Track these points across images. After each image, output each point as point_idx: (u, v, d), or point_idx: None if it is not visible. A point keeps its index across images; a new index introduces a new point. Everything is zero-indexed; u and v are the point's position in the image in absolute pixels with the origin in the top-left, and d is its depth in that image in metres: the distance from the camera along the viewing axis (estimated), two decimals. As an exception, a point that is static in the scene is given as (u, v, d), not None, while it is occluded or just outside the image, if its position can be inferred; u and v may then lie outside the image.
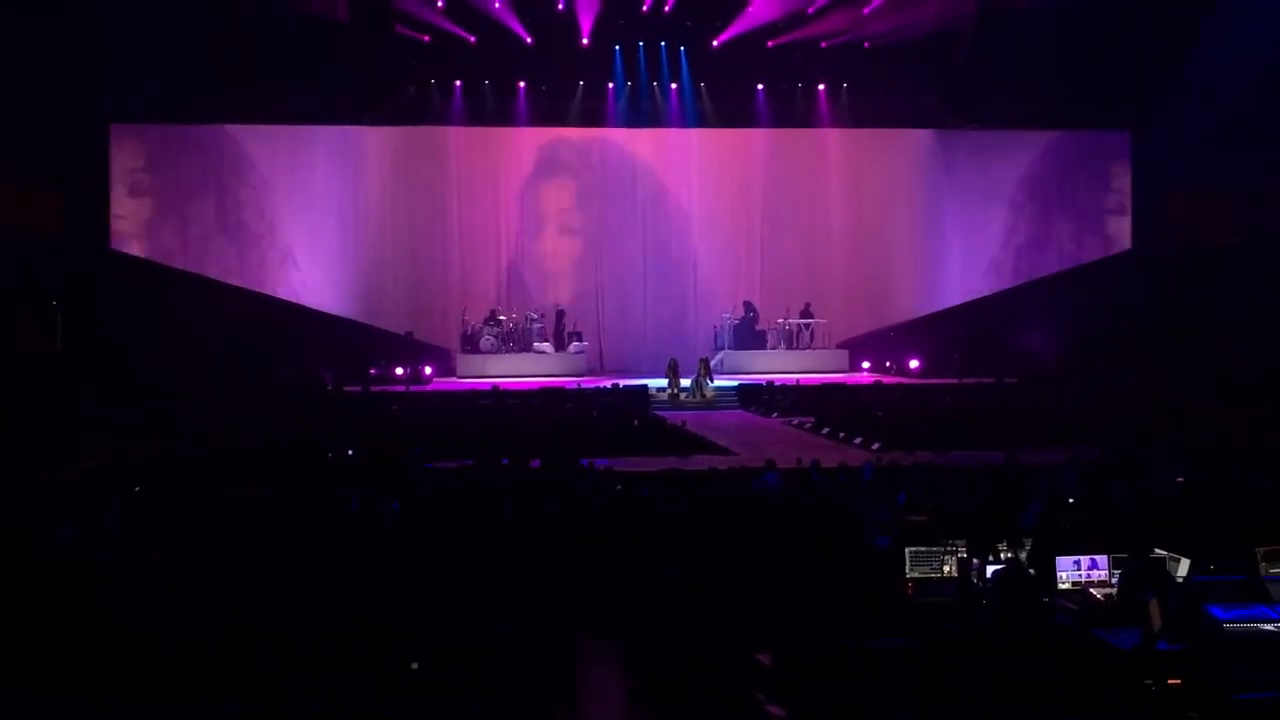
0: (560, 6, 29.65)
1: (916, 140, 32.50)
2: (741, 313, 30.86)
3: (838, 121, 32.16)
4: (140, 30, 26.24)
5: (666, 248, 32.21)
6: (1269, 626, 7.90)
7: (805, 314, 30.65)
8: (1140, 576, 8.57)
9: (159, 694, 6.22)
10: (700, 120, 31.74)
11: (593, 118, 31.53)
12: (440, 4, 29.32)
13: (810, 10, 30.27)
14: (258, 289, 29.71)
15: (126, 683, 6.28)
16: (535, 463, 15.36)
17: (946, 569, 9.46)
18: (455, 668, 6.97)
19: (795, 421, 24.06)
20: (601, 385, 26.86)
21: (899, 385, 27.73)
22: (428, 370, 28.99)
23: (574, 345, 30.41)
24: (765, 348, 30.75)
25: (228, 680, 6.48)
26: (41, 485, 12.52)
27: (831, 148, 32.51)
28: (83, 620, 7.01)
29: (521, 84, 30.90)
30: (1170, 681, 7.02)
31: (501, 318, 30.24)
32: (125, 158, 29.18)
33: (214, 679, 6.47)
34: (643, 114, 31.63)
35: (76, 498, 11.39)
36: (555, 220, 32.00)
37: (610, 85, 31.31)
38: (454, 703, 6.60)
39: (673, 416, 23.75)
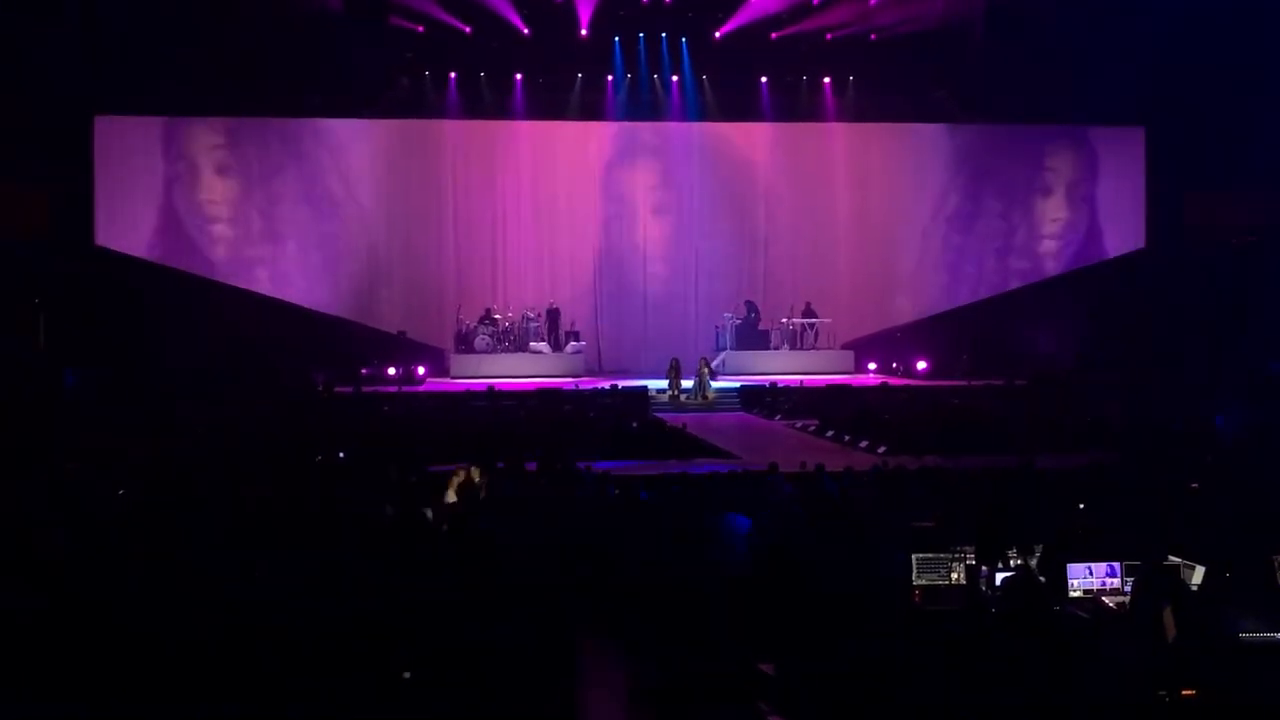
0: (558, -4, 29.77)
1: (925, 135, 32.57)
2: (744, 312, 30.90)
3: (843, 115, 32.25)
4: (130, 23, 26.37)
5: (667, 244, 32.26)
6: (1285, 636, 7.95)
7: (808, 313, 30.71)
8: (1154, 584, 8.62)
9: (159, 694, 6.29)
10: (702, 113, 31.81)
11: (591, 111, 31.59)
12: (435, -6, 29.41)
13: (815, 1, 30.34)
14: (247, 287, 29.81)
15: (126, 683, 6.35)
16: (531, 466, 15.38)
17: (955, 576, 9.49)
18: (454, 670, 7.05)
19: (799, 424, 24.08)
20: (600, 386, 26.92)
21: (906, 387, 27.77)
22: (421, 370, 29.05)
23: (571, 345, 30.44)
24: (768, 348, 30.81)
25: (227, 681, 6.55)
26: (35, 485, 12.57)
27: (837, 142, 32.56)
28: (80, 620, 7.08)
29: (518, 76, 30.98)
30: (1184, 693, 7.07)
31: (497, 316, 30.27)
32: (109, 150, 29.30)
33: (213, 679, 6.54)
34: (643, 107, 31.70)
35: (71, 499, 11.45)
36: (552, 215, 31.99)
37: (610, 78, 31.38)
38: (453, 705, 6.67)
39: (673, 419, 23.78)
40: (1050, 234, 32.70)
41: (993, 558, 9.46)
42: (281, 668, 6.75)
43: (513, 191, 31.85)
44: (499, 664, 7.14)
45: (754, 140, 32.51)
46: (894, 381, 28.50)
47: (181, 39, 26.70)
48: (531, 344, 30.15)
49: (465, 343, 29.96)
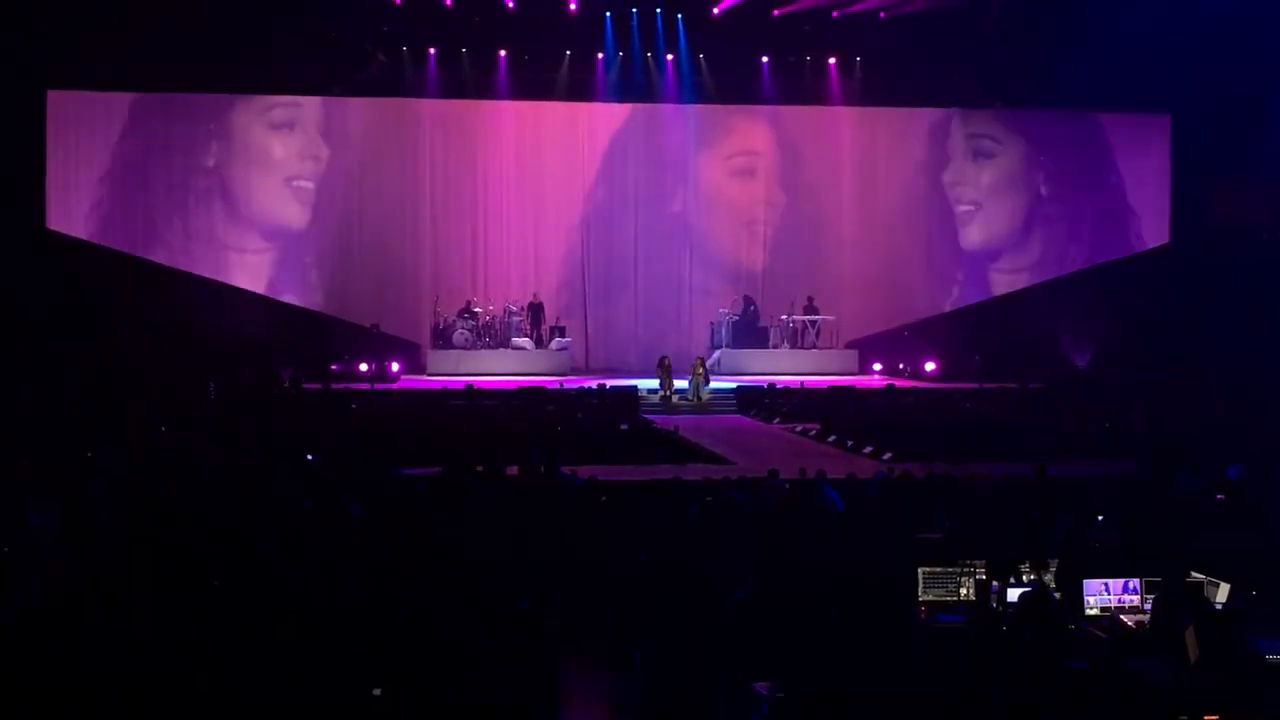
0: (546, -33, 29.72)
1: (936, 120, 32.56)
2: (741, 307, 30.89)
3: (850, 98, 32.17)
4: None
5: (660, 234, 32.21)
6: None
7: (810, 309, 30.70)
8: (1176, 602, 8.64)
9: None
10: (698, 95, 31.74)
11: (580, 91, 31.50)
12: (413, -37, 29.33)
13: (820, -23, 30.32)
14: (208, 275, 29.74)
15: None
16: (512, 470, 15.39)
17: (963, 592, 9.54)
18: (431, 684, 7.06)
19: (799, 428, 24.11)
20: (586, 385, 26.88)
21: (913, 389, 27.79)
22: (395, 367, 28.96)
23: (557, 341, 30.40)
24: (767, 346, 30.81)
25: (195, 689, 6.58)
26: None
27: (843, 127, 32.54)
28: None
29: (502, 53, 30.87)
30: (1207, 718, 7.09)
31: (477, 310, 30.21)
32: (62, 127, 29.21)
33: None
34: (635, 87, 31.61)
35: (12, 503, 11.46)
36: (537, 202, 31.94)
37: (600, 56, 31.28)
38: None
39: (664, 421, 23.79)
40: (1070, 227, 32.67)
41: (1005, 572, 9.49)
42: (246, 684, 6.78)
43: (495, 176, 31.78)
44: (476, 688, 7.17)
45: (754, 124, 32.48)
46: (901, 383, 28.48)
47: (142, 9, 26.59)
48: (514, 340, 30.09)
49: (443, 338, 29.91)
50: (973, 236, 32.62)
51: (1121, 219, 32.67)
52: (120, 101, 29.57)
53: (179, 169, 30.02)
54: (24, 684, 6.77)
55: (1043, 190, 32.71)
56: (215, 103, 30.05)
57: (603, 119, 32.02)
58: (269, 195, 30.49)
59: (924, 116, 32.52)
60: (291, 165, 30.62)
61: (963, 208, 32.59)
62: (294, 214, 30.64)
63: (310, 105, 30.70)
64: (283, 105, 30.53)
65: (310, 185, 30.74)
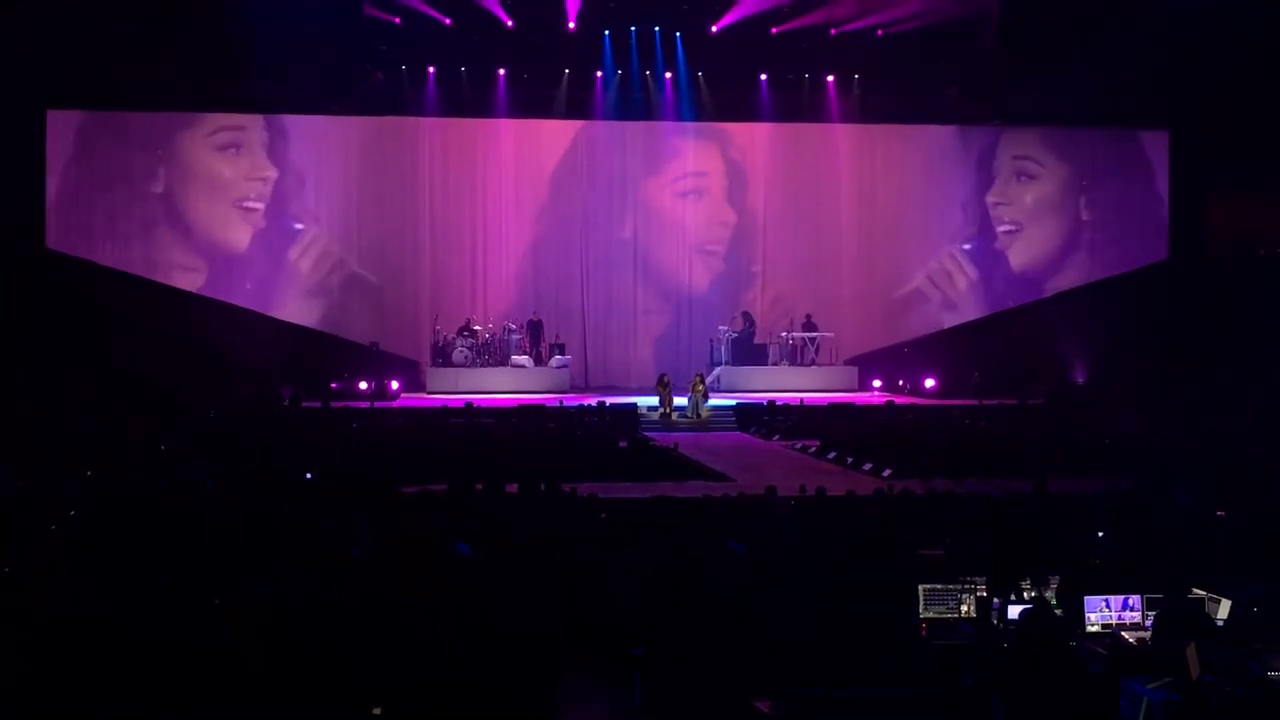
0: (545, -14, 29.76)
1: (935, 137, 32.58)
2: (741, 324, 30.88)
3: (848, 116, 32.20)
4: (87, 9, 26.30)
5: (659, 253, 32.22)
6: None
7: (809, 326, 30.69)
8: (1177, 619, 8.62)
9: None
10: (697, 113, 31.79)
11: (579, 109, 31.57)
12: (413, -18, 29.38)
13: (818, -7, 30.38)
14: (207, 293, 29.72)
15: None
16: (512, 488, 15.36)
17: (964, 609, 9.51)
18: (430, 706, 7.05)
19: (799, 445, 24.10)
20: (586, 403, 26.87)
21: (913, 406, 27.77)
22: (394, 385, 28.97)
23: (556, 359, 30.38)
24: (766, 363, 30.79)
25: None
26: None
27: (841, 144, 32.54)
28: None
29: (501, 71, 30.96)
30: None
31: (476, 328, 30.22)
32: (55, 145, 29.22)
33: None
34: (634, 105, 31.67)
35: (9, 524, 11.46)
36: (536, 221, 31.97)
37: (599, 74, 31.37)
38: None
39: (663, 438, 23.79)
40: (1068, 244, 32.66)
41: (1005, 589, 9.47)
42: (246, 702, 6.76)
43: (494, 194, 31.79)
44: (477, 695, 7.16)
45: (753, 141, 32.50)
46: (900, 400, 28.47)
47: (141, 28, 26.62)
48: (513, 357, 30.09)
49: (442, 356, 29.89)
50: (972, 252, 32.54)
51: (1122, 235, 32.58)
52: (119, 120, 29.56)
53: (180, 188, 29.92)
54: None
55: (1042, 206, 32.64)
56: (216, 121, 30.03)
57: (601, 137, 32.03)
58: (270, 215, 30.41)
59: (923, 133, 32.50)
60: (292, 185, 30.56)
61: (960, 223, 32.57)
62: (294, 234, 30.62)
63: (311, 124, 30.64)
64: (283, 124, 30.49)
65: (310, 205, 30.73)
